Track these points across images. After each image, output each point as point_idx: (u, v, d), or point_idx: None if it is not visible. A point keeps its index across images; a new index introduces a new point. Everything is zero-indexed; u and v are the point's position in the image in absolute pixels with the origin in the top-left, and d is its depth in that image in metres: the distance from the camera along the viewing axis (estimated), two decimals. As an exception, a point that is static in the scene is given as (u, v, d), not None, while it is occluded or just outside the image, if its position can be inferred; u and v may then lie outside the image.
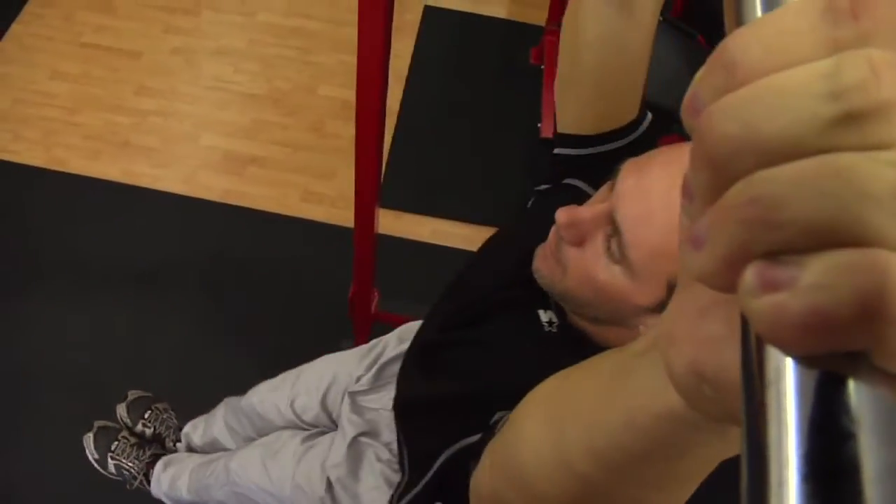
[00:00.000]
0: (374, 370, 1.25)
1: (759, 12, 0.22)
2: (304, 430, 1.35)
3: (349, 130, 1.18)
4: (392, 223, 2.12)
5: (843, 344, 0.19)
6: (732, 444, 0.35)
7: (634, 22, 0.78)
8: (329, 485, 1.18)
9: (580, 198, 0.81)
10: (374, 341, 1.34)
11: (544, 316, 0.84)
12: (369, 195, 1.30)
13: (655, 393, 0.34)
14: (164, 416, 1.78)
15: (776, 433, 0.20)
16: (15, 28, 2.48)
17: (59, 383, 1.87)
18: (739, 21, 0.22)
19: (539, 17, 2.52)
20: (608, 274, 0.72)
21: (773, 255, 0.20)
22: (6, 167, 2.19)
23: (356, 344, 1.73)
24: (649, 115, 0.89)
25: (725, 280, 0.21)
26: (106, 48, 2.46)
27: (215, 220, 2.16)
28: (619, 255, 0.70)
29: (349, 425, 1.21)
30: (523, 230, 0.94)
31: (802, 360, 0.20)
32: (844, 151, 0.19)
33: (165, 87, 2.40)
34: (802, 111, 0.19)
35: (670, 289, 0.68)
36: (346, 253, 1.56)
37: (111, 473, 1.71)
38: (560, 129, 0.92)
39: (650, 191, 0.68)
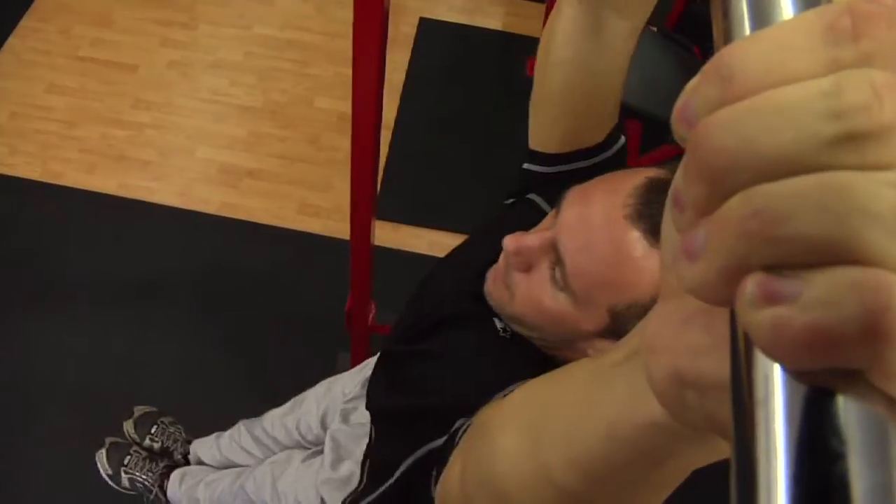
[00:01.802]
0: (359, 385, 1.27)
1: (747, 30, 0.22)
2: (307, 448, 1.38)
3: (345, 142, 1.18)
4: (389, 235, 2.12)
5: (841, 361, 0.19)
6: (711, 451, 0.35)
7: (605, 47, 0.77)
8: (322, 501, 1.19)
9: (536, 214, 0.82)
10: (368, 360, 1.36)
11: (499, 324, 0.85)
12: (365, 207, 1.29)
13: (636, 403, 0.34)
14: (171, 430, 1.81)
15: (765, 453, 0.20)
16: (12, 42, 2.48)
17: (58, 398, 1.86)
18: (728, 37, 0.22)
19: (534, 28, 2.53)
20: (553, 301, 0.73)
21: (772, 269, 0.20)
22: (3, 181, 2.19)
23: (352, 356, 1.73)
24: (622, 140, 0.89)
25: (720, 293, 0.21)
26: (103, 62, 2.47)
27: (212, 232, 2.16)
28: (562, 283, 0.72)
29: (339, 436, 1.23)
30: (482, 242, 0.95)
31: (798, 376, 0.20)
32: (843, 170, 0.19)
33: (162, 101, 2.40)
34: (803, 128, 0.19)
35: (612, 316, 0.69)
36: (343, 265, 1.56)
37: (125, 488, 1.74)
38: (530, 146, 0.92)
39: (592, 222, 0.69)
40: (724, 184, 0.20)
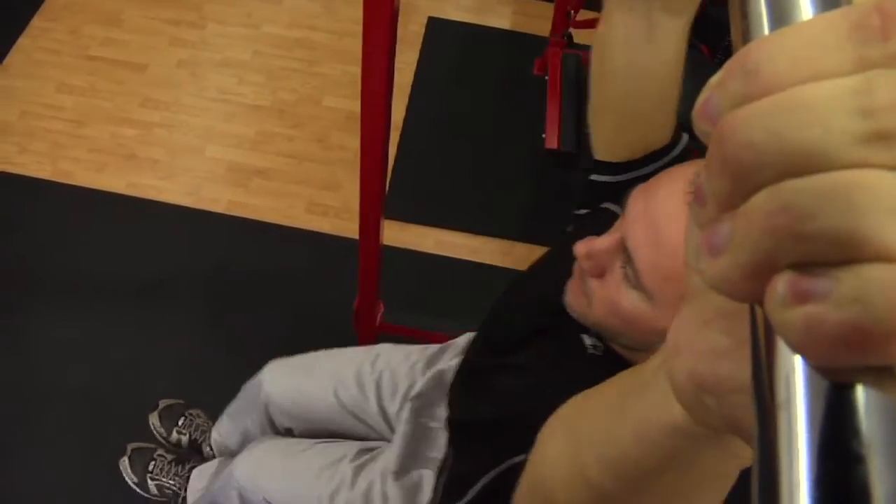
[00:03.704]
0: (433, 378, 1.20)
1: (766, 30, 0.22)
2: (348, 426, 1.30)
3: (354, 142, 1.18)
4: (397, 234, 2.13)
5: (872, 358, 0.19)
6: (737, 456, 0.35)
7: (660, 47, 0.77)
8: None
9: (613, 221, 0.81)
10: (443, 345, 1.29)
11: (588, 340, 0.84)
12: (374, 206, 1.30)
13: (662, 406, 0.34)
14: (199, 422, 1.75)
15: (787, 456, 0.20)
16: (22, 42, 2.49)
17: (66, 397, 1.87)
18: (747, 37, 0.22)
19: (543, 28, 2.52)
20: (629, 301, 0.72)
21: (799, 266, 0.20)
22: (13, 179, 2.20)
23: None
24: (685, 138, 0.88)
25: (744, 289, 0.21)
26: (112, 61, 2.48)
27: (220, 231, 2.17)
28: (635, 281, 0.71)
29: (411, 436, 1.16)
30: (563, 256, 0.95)
31: (826, 373, 0.20)
32: (872, 168, 0.19)
33: (171, 100, 2.41)
34: (832, 125, 0.19)
35: None
36: (351, 264, 1.56)
37: (154, 495, 1.67)
38: (595, 156, 0.91)
39: (657, 214, 0.69)
40: (749, 179, 0.20)
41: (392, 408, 1.26)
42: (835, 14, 0.20)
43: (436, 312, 1.79)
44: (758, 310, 0.23)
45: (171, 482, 1.65)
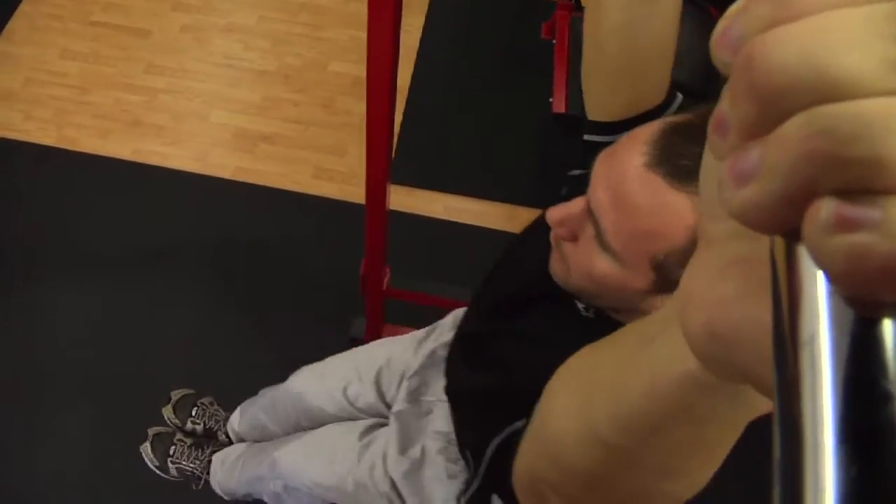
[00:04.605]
0: (425, 356, 1.24)
1: None
2: (360, 419, 1.36)
3: (360, 107, 1.17)
4: (404, 199, 2.12)
5: None
6: (750, 407, 0.35)
7: (657, 6, 0.76)
8: (392, 482, 1.18)
9: None
10: (429, 327, 1.33)
11: (581, 304, 0.85)
12: (380, 171, 1.29)
13: (674, 357, 0.34)
14: (212, 410, 1.82)
15: (811, 395, 0.19)
16: (24, 8, 2.47)
17: (72, 366, 1.88)
18: None
19: (550, -10, 2.49)
20: (602, 264, 0.73)
21: (839, 193, 0.19)
22: (18, 146, 2.20)
23: (367, 321, 1.73)
24: (679, 97, 0.87)
25: (775, 217, 0.20)
26: (115, 26, 2.46)
27: (227, 197, 2.16)
28: (604, 244, 0.72)
29: (406, 418, 1.20)
30: None
31: (860, 306, 0.19)
32: None
33: (175, 65, 2.39)
34: (870, 50, 0.18)
35: (655, 267, 0.69)
36: (359, 229, 1.56)
37: (174, 477, 1.76)
38: (589, 116, 0.91)
39: (618, 176, 0.69)
40: (780, 104, 0.20)
41: (391, 393, 1.30)
42: None
43: (442, 277, 1.79)
44: (778, 243, 0.22)
45: (191, 465, 1.74)
